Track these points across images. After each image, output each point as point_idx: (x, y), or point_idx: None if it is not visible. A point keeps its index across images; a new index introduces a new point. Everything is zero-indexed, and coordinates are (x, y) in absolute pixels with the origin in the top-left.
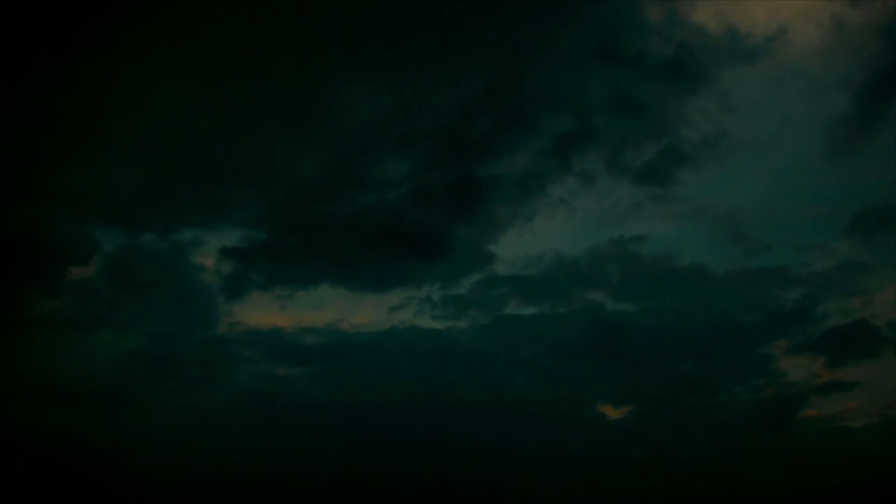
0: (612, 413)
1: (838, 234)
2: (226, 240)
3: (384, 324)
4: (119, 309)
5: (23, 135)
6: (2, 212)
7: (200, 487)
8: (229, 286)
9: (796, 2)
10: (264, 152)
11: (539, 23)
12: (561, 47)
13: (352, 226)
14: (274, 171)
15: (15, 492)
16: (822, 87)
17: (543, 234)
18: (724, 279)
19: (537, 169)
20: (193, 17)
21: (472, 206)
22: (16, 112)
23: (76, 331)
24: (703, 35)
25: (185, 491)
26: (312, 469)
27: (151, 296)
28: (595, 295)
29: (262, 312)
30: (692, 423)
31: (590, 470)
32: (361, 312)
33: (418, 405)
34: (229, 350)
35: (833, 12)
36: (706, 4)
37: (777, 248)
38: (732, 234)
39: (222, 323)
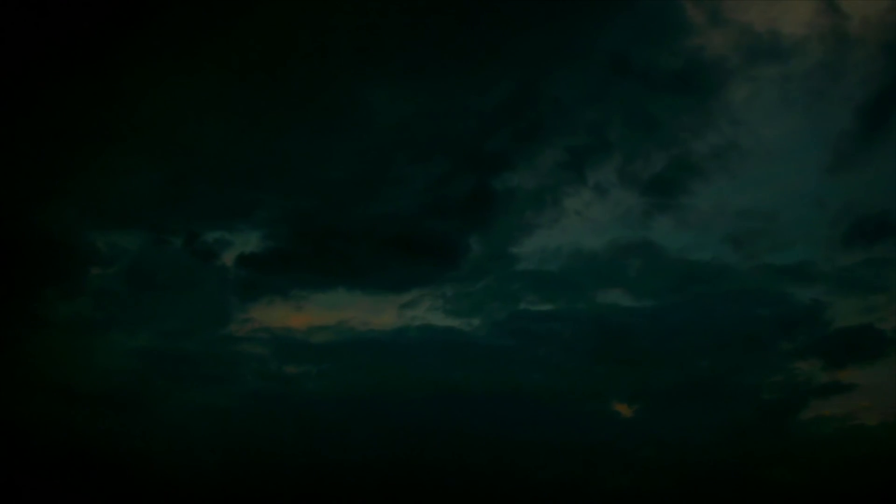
0: (625, 411)
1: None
2: (244, 244)
3: (397, 322)
4: (137, 311)
5: (43, 137)
6: (21, 214)
7: (217, 485)
8: (247, 289)
9: (800, 17)
10: (285, 158)
11: (556, 37)
12: (577, 61)
13: (370, 233)
14: (294, 178)
15: (30, 492)
16: (826, 100)
17: (558, 236)
18: (735, 281)
19: (553, 180)
20: (215, 20)
21: (487, 217)
22: (36, 114)
23: (94, 333)
24: (715, 49)
25: (202, 489)
26: (325, 466)
27: (169, 298)
28: (610, 295)
29: (278, 314)
30: (704, 422)
31: (602, 467)
32: (376, 313)
33: (431, 402)
34: (245, 351)
35: (836, 27)
36: (717, 19)
37: (785, 251)
38: (738, 240)
39: (239, 325)
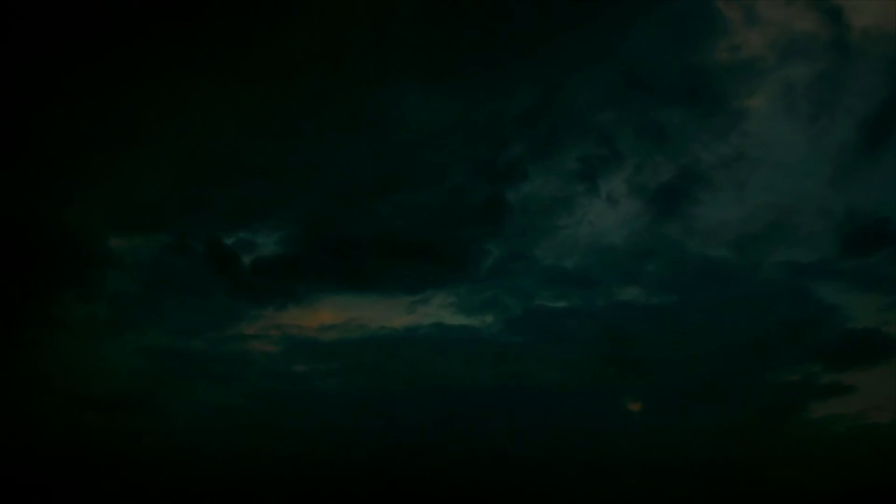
0: (636, 409)
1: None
2: (260, 248)
3: (408, 320)
4: (152, 314)
5: (64, 141)
6: (38, 217)
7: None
8: (261, 292)
9: (803, 29)
10: (302, 164)
11: (575, 46)
12: (596, 70)
13: (385, 238)
14: (310, 183)
15: (42, 491)
16: (830, 112)
17: (572, 238)
18: (744, 283)
19: (568, 188)
20: (236, 25)
21: (501, 224)
22: (58, 118)
23: (110, 335)
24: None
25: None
26: (335, 464)
27: (184, 301)
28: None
29: (291, 316)
30: (716, 421)
31: (614, 466)
32: (388, 312)
33: (441, 399)
34: (257, 351)
35: (838, 39)
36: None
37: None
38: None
39: (253, 327)
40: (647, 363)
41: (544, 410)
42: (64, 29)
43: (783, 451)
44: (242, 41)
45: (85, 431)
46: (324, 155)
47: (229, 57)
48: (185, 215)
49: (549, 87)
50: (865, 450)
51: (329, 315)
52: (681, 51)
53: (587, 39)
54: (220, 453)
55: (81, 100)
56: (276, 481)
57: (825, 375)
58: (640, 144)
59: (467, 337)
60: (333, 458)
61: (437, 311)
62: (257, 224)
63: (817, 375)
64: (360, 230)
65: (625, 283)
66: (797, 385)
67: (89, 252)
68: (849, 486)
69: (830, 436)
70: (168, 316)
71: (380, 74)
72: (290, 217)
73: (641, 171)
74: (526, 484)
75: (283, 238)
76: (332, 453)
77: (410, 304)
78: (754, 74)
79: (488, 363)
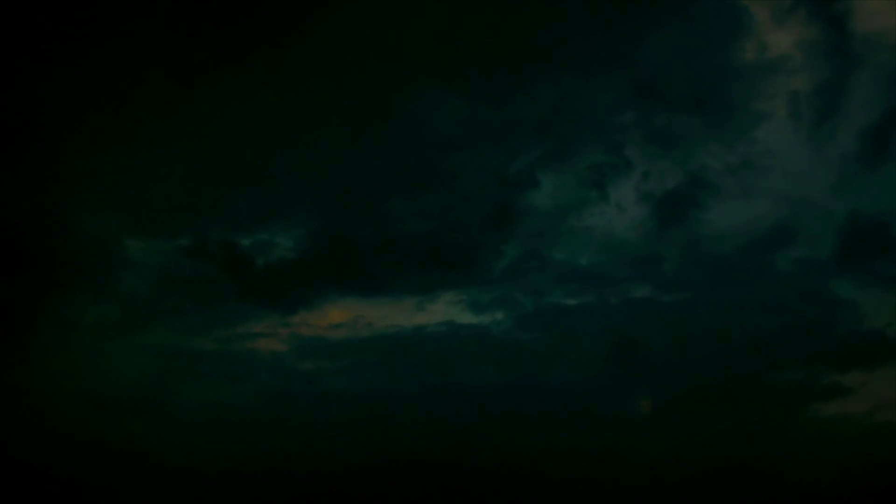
0: (646, 407)
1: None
2: (271, 252)
3: (417, 319)
4: (163, 316)
5: (76, 143)
6: (53, 220)
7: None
8: (271, 295)
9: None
10: (314, 169)
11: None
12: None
13: (395, 243)
14: (322, 189)
15: (49, 492)
16: (831, 119)
17: (582, 240)
18: (752, 286)
19: (574, 198)
20: (248, 25)
21: (513, 230)
22: (72, 121)
23: (121, 337)
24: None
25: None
26: (342, 464)
27: (196, 303)
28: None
29: (300, 317)
30: (724, 422)
31: (623, 464)
32: (397, 311)
33: (449, 400)
34: (265, 352)
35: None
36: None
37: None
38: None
39: (262, 328)
40: (656, 360)
41: (553, 407)
42: (80, 32)
43: (792, 449)
44: (259, 45)
45: (96, 430)
46: (338, 158)
47: (245, 61)
48: (200, 218)
49: (564, 94)
50: (874, 448)
51: (339, 316)
52: (693, 56)
53: (604, 45)
54: (228, 452)
55: (98, 102)
56: (281, 479)
57: (831, 375)
58: (650, 151)
59: (477, 335)
60: (340, 455)
61: (447, 307)
62: (271, 227)
63: (821, 375)
64: (373, 233)
65: (636, 281)
66: (805, 383)
67: (104, 255)
68: (855, 485)
69: (839, 434)
70: (181, 317)
71: (396, 79)
72: (302, 220)
73: (650, 177)
74: (534, 481)
75: (296, 242)
76: (339, 450)
77: (419, 303)
78: (760, 81)
79: (499, 360)
